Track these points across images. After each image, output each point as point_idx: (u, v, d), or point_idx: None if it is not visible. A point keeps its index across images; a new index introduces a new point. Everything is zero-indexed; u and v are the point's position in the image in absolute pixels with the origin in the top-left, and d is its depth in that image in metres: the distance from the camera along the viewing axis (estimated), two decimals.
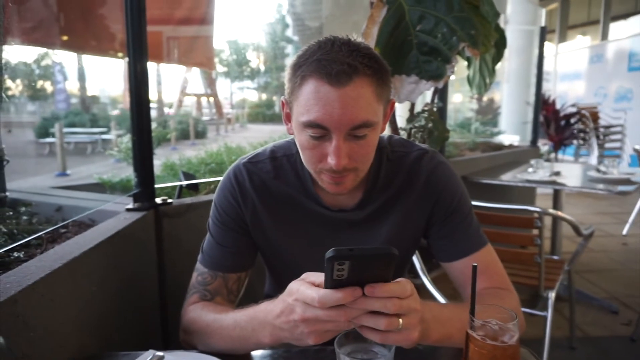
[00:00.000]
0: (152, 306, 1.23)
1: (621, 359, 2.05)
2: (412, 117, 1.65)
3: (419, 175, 0.85)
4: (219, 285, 0.86)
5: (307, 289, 0.58)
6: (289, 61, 0.75)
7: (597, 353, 2.08)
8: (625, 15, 8.16)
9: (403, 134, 1.64)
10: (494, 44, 1.59)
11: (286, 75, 0.75)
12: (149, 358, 0.66)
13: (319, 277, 0.59)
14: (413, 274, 1.69)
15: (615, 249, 3.65)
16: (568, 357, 2.06)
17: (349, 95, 0.67)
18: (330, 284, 0.56)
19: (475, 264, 0.61)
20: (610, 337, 2.22)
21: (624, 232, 4.05)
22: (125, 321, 1.01)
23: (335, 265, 0.53)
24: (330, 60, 0.68)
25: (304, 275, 0.62)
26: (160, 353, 0.67)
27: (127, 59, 1.18)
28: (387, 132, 0.89)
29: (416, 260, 1.70)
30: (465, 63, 1.80)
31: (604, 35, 8.26)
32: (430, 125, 1.57)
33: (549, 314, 1.74)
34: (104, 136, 9.84)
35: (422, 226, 0.88)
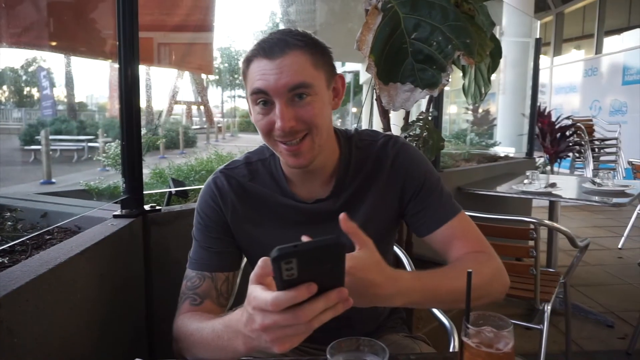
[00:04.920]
0: (138, 315, 1.21)
1: None
2: (407, 125, 1.66)
3: (385, 159, 0.94)
4: (207, 287, 0.89)
5: (260, 293, 0.57)
6: None
7: None
8: (618, 30, 8.31)
9: None
10: (490, 54, 1.61)
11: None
12: None
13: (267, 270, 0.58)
14: None
15: (611, 262, 3.67)
16: None
17: (283, 63, 0.78)
18: (282, 285, 0.54)
19: (470, 270, 0.63)
20: (606, 352, 2.23)
21: (620, 245, 4.08)
22: (111, 329, 1.00)
23: (283, 265, 0.51)
24: (266, 40, 0.81)
25: (253, 274, 0.60)
26: None
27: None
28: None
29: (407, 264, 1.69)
30: (461, 73, 1.82)
31: (598, 49, 8.40)
32: (425, 134, 1.57)
33: (545, 327, 1.74)
34: (91, 144, 9.76)
35: (395, 207, 0.95)
